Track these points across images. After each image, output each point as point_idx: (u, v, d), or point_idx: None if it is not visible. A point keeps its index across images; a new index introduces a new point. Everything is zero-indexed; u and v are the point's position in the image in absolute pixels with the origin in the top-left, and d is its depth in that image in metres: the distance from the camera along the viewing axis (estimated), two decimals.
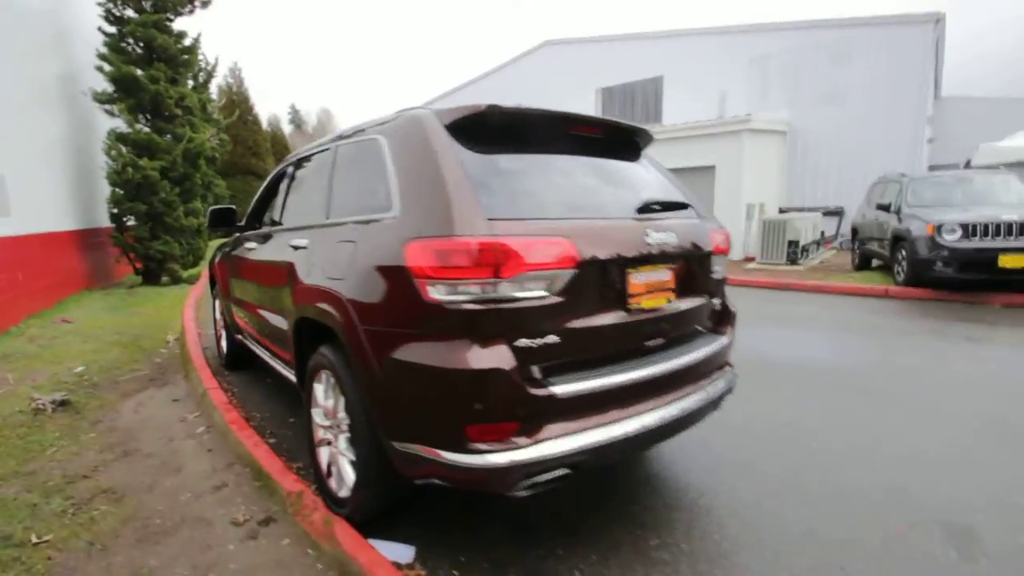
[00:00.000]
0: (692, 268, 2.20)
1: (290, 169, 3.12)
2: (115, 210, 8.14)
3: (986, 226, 6.42)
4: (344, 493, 2.15)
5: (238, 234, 3.86)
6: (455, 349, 1.62)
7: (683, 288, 2.16)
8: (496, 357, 1.61)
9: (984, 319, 5.80)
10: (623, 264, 1.90)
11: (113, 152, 7.76)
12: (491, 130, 1.96)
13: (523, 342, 1.66)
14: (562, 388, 1.68)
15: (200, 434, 3.08)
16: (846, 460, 2.64)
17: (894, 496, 2.31)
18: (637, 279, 1.96)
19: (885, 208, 8.04)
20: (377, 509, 2.07)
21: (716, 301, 2.39)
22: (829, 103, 15.00)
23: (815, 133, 15.23)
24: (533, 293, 1.66)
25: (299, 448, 2.89)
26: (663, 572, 1.86)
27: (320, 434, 2.38)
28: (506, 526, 2.16)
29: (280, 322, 2.76)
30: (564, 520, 2.18)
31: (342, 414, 2.14)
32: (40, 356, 4.65)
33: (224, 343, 4.52)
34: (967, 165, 12.19)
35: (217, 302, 4.63)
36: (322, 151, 2.71)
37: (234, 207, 3.84)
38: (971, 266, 6.45)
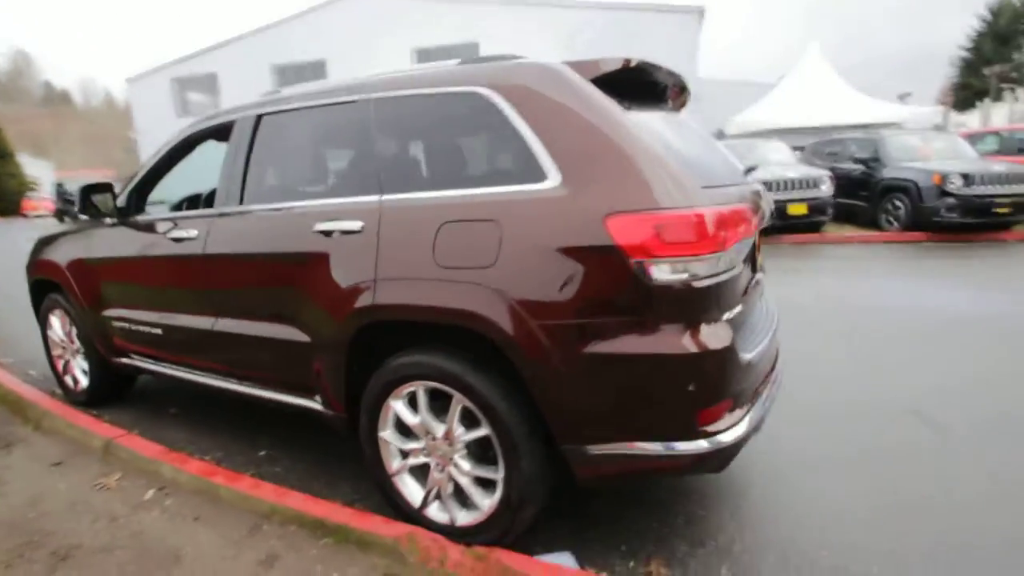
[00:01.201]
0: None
1: (242, 129, 2.32)
2: None
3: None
4: (468, 519, 1.84)
5: (115, 220, 2.76)
6: (685, 331, 1.49)
7: None
8: (725, 334, 1.54)
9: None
10: (757, 228, 1.94)
11: None
12: (621, 87, 1.76)
13: (728, 315, 1.61)
14: (749, 355, 1.68)
15: (154, 501, 2.22)
16: None
17: None
18: (758, 241, 2.03)
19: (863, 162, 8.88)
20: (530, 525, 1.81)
21: None
22: None
23: None
24: (736, 263, 1.61)
25: (315, 484, 2.32)
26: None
27: (397, 463, 1.95)
28: (636, 510, 2.11)
29: (289, 334, 2.11)
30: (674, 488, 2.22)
31: (460, 430, 1.79)
32: None
33: (79, 373, 3.28)
34: (719, 136, 15.27)
35: (55, 319, 3.29)
36: (332, 104, 2.07)
37: (111, 183, 2.73)
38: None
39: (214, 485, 2.18)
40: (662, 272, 1.46)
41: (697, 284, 1.48)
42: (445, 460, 1.86)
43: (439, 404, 1.83)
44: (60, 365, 3.41)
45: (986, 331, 4.02)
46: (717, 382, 1.53)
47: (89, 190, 2.63)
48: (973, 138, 10.55)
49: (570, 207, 1.53)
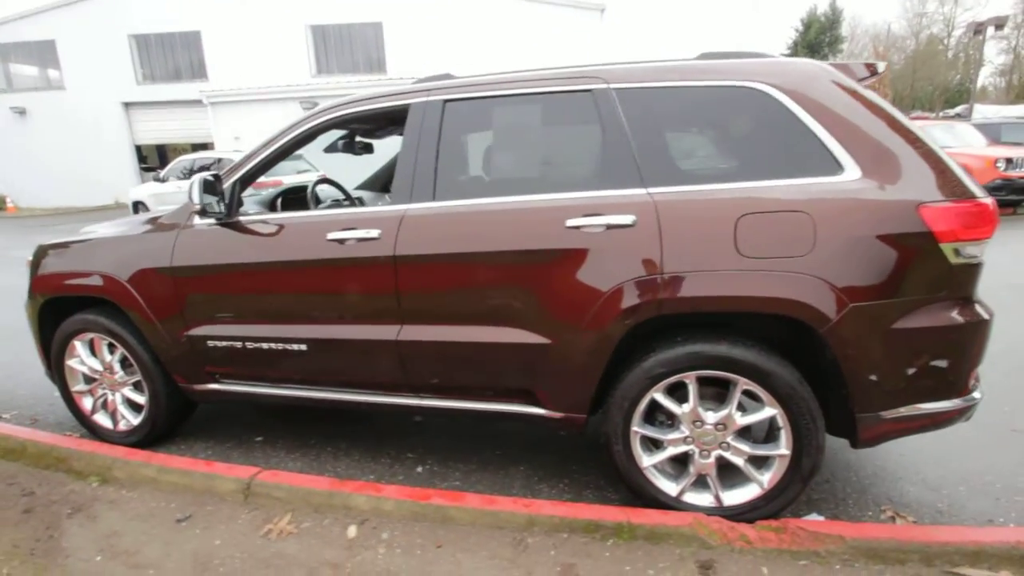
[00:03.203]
0: None
1: (423, 116, 2.09)
2: None
3: None
4: (740, 498, 1.95)
5: (221, 219, 2.30)
6: (970, 304, 1.75)
7: None
8: (987, 306, 1.81)
9: None
10: None
11: None
12: None
13: None
14: None
15: (367, 536, 1.96)
16: None
17: None
18: None
19: None
20: None
21: None
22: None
23: None
24: None
25: (514, 490, 2.25)
26: None
27: (650, 455, 1.99)
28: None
29: (517, 337, 1.99)
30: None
31: (738, 414, 1.87)
32: None
33: (124, 409, 2.71)
34: None
35: (81, 346, 2.66)
36: (553, 93, 1.97)
37: (219, 173, 2.27)
38: None
39: (440, 507, 1.99)
40: (960, 254, 1.68)
41: (976, 263, 1.73)
42: (712, 445, 1.92)
43: (684, 392, 1.90)
44: (87, 403, 2.77)
45: None
46: (983, 346, 1.80)
47: (207, 185, 2.16)
48: None
49: (882, 198, 1.68)
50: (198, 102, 15.98)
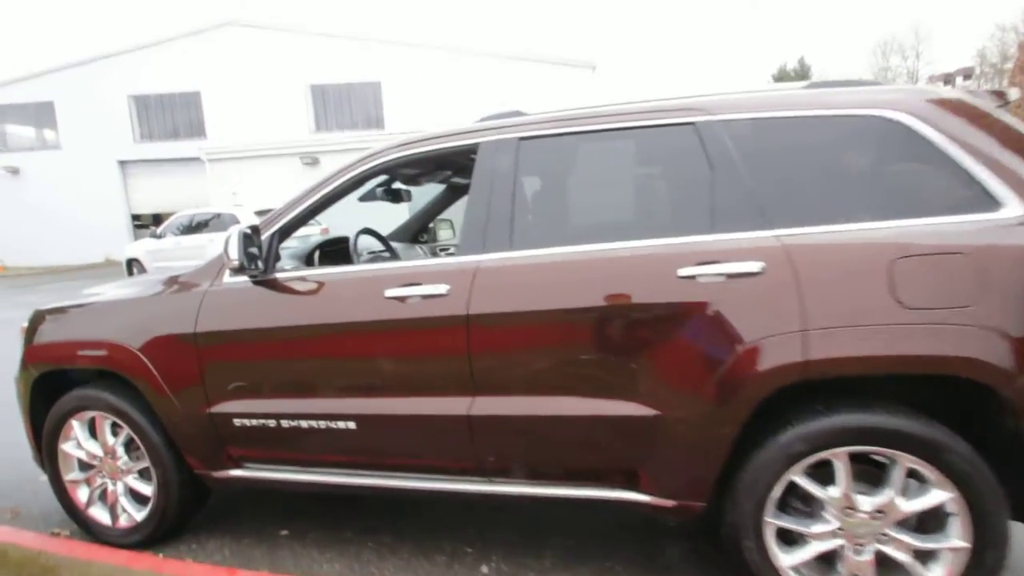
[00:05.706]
0: None
1: (494, 156, 1.84)
2: None
3: None
4: None
5: (258, 277, 1.99)
6: None
7: None
8: None
9: None
10: None
11: None
12: None
13: None
14: None
15: None
16: None
17: None
18: None
19: None
20: None
21: None
22: None
23: None
24: None
25: None
26: None
27: (788, 553, 1.65)
28: None
29: (617, 409, 1.67)
30: None
31: (900, 499, 1.53)
32: None
33: (126, 502, 2.30)
34: None
35: (80, 427, 2.27)
36: (648, 127, 1.75)
37: (258, 226, 1.99)
38: None
39: None
40: None
41: None
42: (868, 538, 1.57)
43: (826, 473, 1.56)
44: (83, 495, 2.35)
45: None
46: None
47: (247, 238, 1.86)
48: None
49: None
50: (195, 160, 15.97)
